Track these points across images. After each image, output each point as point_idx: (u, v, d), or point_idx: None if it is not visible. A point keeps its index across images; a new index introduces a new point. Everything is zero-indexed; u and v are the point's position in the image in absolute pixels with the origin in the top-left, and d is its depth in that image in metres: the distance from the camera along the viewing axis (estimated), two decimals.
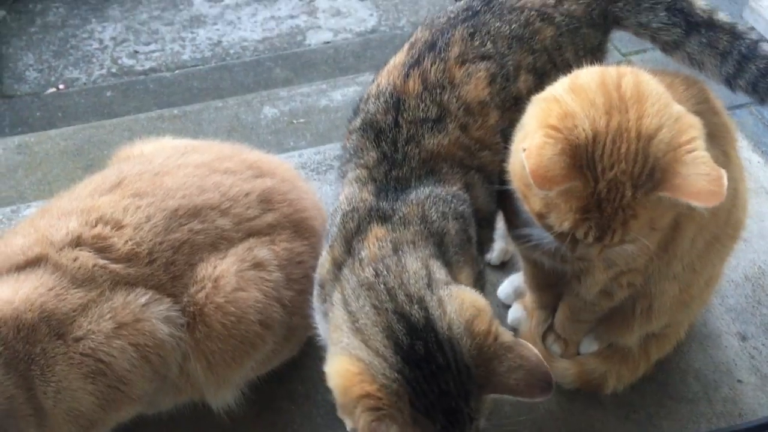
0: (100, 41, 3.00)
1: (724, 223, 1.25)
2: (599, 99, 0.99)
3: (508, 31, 1.23)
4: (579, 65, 1.13)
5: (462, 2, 1.28)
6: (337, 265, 1.07)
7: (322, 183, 1.85)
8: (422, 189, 1.12)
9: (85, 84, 2.79)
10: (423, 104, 1.16)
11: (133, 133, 2.11)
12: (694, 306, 1.39)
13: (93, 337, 1.11)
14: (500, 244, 1.60)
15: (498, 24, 1.23)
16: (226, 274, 1.18)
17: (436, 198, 1.11)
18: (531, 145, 0.96)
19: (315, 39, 3.05)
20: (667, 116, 0.98)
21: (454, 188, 1.14)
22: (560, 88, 1.04)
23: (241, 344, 1.18)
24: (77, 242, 1.15)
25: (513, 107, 1.20)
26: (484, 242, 1.23)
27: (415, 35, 1.25)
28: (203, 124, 2.27)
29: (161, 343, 1.14)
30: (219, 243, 1.21)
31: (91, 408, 1.13)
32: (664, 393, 1.43)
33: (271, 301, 1.19)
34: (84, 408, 1.13)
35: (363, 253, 1.05)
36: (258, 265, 1.21)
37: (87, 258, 1.14)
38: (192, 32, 3.04)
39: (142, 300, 1.14)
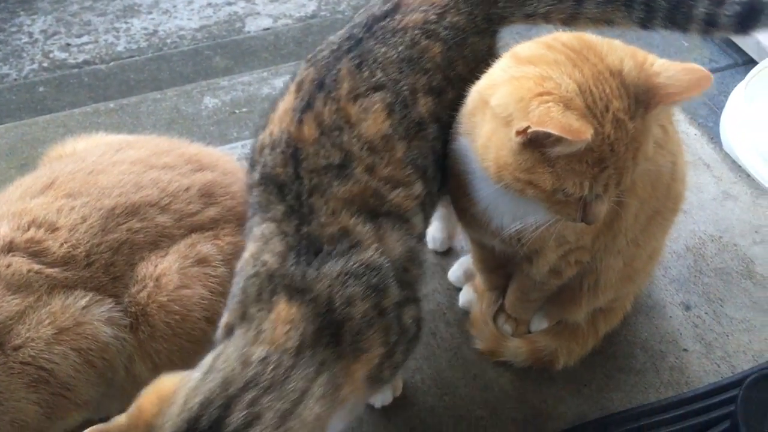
0: (30, 35, 2.88)
1: (664, 197, 1.27)
2: (559, 57, 1.00)
3: (396, 56, 1.15)
4: (473, 76, 1.13)
5: (342, 31, 1.21)
6: (229, 329, 1.02)
7: None
8: (333, 262, 1.03)
9: (15, 80, 2.68)
10: (323, 150, 1.08)
11: (68, 130, 2.04)
12: (639, 279, 1.42)
13: (32, 344, 1.07)
14: (442, 233, 1.60)
15: (384, 49, 1.16)
16: (168, 272, 1.15)
17: (347, 276, 1.03)
18: (534, 117, 0.93)
19: (254, 26, 3.00)
20: (619, 49, 1.02)
21: (369, 253, 1.06)
22: (510, 68, 1.04)
23: (187, 343, 1.15)
24: (9, 248, 1.11)
25: (418, 133, 1.15)
26: (414, 280, 1.15)
27: (300, 74, 1.16)
28: (141, 117, 2.21)
29: (105, 346, 1.11)
30: (160, 241, 1.18)
31: (36, 417, 1.09)
32: (613, 365, 1.46)
33: (217, 297, 1.17)
34: (28, 418, 1.09)
35: (264, 328, 0.98)
36: (202, 261, 1.18)
37: (21, 263, 1.10)
38: (126, 22, 2.95)
39: (82, 302, 1.10)
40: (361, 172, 1.09)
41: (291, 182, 1.08)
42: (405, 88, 1.14)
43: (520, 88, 0.98)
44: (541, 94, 0.95)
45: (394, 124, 1.12)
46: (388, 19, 1.19)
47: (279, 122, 1.12)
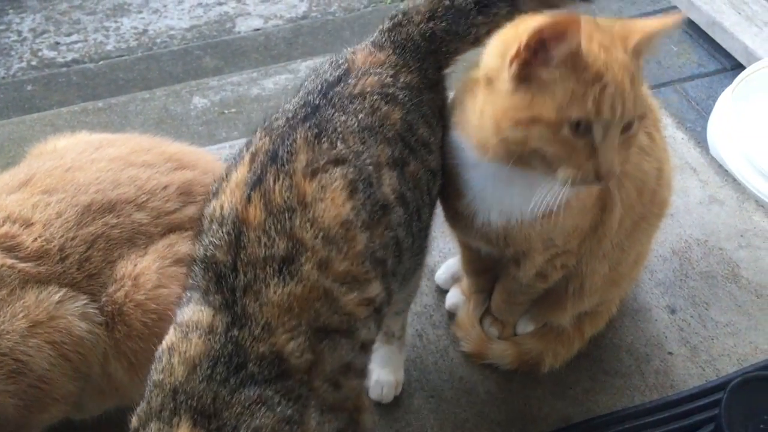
0: (19, 33, 2.87)
1: (649, 202, 1.28)
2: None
3: (356, 124, 1.02)
4: (436, 137, 1.13)
5: (297, 97, 1.08)
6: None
7: None
8: (252, 387, 0.88)
9: (4, 78, 2.67)
10: (266, 237, 0.92)
11: (56, 128, 2.02)
12: (624, 283, 1.43)
13: (8, 336, 1.07)
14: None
15: (344, 118, 1.02)
16: (146, 271, 1.15)
17: (260, 404, 0.88)
18: (523, 36, 0.95)
19: (245, 26, 2.99)
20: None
21: (293, 382, 0.90)
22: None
23: None
24: None
25: (382, 219, 1.00)
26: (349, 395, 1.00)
27: (255, 142, 1.02)
28: (130, 116, 2.20)
29: (79, 340, 1.11)
30: (137, 238, 1.18)
31: (15, 410, 1.10)
32: (598, 368, 1.46)
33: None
34: (7, 411, 1.09)
35: None
36: (180, 261, 1.18)
37: None
38: (116, 21, 2.94)
39: (56, 297, 1.11)
40: (311, 269, 0.92)
41: (228, 274, 0.92)
42: (368, 162, 1.00)
43: (504, 34, 1.03)
44: (514, 35, 1.00)
45: (357, 206, 0.97)
46: (342, 85, 1.07)
47: (231, 195, 0.97)
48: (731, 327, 1.53)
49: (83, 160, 1.24)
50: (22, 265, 1.11)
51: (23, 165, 1.30)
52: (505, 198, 1.12)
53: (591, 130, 0.97)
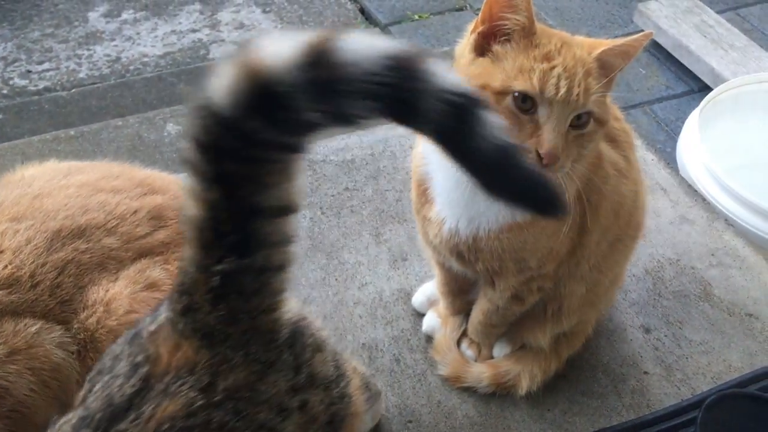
0: None
1: (626, 224, 1.30)
2: None
3: None
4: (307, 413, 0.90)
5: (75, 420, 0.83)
6: None
7: None
8: None
9: None
10: None
11: (27, 157, 2.01)
12: (601, 304, 1.44)
13: None
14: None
15: None
16: (118, 296, 1.14)
17: None
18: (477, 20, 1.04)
19: (219, 52, 3.00)
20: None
21: None
22: None
23: None
24: None
25: None
26: None
27: None
28: (102, 144, 2.18)
29: (58, 367, 1.10)
30: (107, 263, 1.17)
31: None
32: (575, 389, 1.46)
33: None
34: None
35: None
36: (152, 286, 1.17)
37: None
38: (88, 49, 2.93)
39: (33, 329, 1.09)
40: None
41: None
42: None
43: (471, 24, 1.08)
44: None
45: None
46: (133, 416, 0.78)
47: None
48: (705, 345, 1.54)
49: (51, 186, 1.23)
50: None
51: None
52: (470, 204, 1.13)
53: (537, 110, 1.00)
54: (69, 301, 1.13)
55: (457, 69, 1.07)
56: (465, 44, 1.07)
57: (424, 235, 1.28)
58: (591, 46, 1.06)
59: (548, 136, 0.99)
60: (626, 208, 1.27)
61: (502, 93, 1.00)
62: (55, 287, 1.13)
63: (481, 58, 1.04)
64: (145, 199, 1.25)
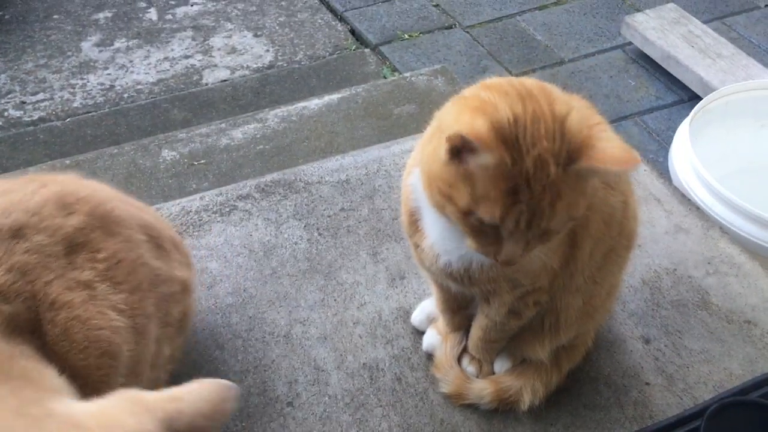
0: None
1: (618, 234, 1.30)
2: (511, 90, 1.03)
3: None
4: None
5: None
6: None
7: (225, 224, 1.81)
8: None
9: None
10: None
11: None
12: (599, 315, 1.44)
13: None
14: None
15: None
16: (69, 292, 1.12)
17: None
18: (460, 124, 0.96)
19: (212, 78, 3.03)
20: (575, 103, 1.05)
21: None
22: (469, 91, 1.07)
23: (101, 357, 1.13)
24: None
25: None
26: None
27: None
28: (98, 172, 2.19)
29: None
30: (48, 261, 1.13)
31: None
32: (578, 402, 1.47)
33: (103, 316, 1.15)
34: None
35: None
36: (85, 285, 1.14)
37: None
38: (82, 78, 2.95)
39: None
40: None
41: None
42: None
43: (459, 106, 1.03)
44: (476, 108, 0.99)
45: None
46: None
47: None
48: (705, 354, 1.55)
49: None
50: None
51: None
52: (461, 242, 1.12)
53: (498, 230, 1.02)
54: (36, 307, 1.09)
55: (436, 149, 1.03)
56: (447, 125, 1.01)
57: (419, 261, 1.29)
58: (574, 148, 0.98)
59: (508, 250, 1.03)
60: (616, 218, 1.27)
61: (465, 214, 1.01)
62: (26, 296, 1.08)
63: (454, 162, 0.99)
64: (42, 191, 1.20)
